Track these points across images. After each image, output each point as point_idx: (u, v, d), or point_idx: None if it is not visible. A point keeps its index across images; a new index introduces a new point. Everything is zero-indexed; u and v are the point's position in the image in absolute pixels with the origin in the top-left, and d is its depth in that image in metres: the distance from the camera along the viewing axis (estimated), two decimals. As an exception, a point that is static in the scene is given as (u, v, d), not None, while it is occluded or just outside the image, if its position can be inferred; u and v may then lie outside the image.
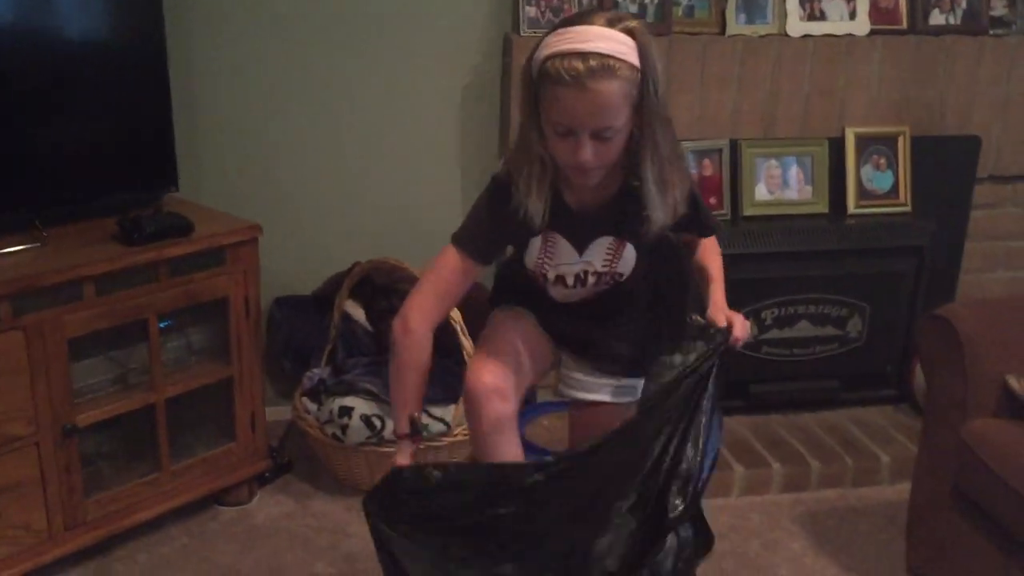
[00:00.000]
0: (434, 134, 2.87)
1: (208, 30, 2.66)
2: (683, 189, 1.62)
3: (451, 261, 1.66)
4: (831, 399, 2.99)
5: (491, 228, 1.66)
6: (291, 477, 2.69)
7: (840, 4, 2.85)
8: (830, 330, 2.92)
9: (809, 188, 2.93)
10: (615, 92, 1.45)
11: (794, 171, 2.92)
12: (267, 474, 2.62)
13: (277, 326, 2.85)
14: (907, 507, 2.29)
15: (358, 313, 2.81)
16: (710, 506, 2.59)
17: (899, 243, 2.90)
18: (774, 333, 2.89)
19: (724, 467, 2.68)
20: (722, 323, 1.74)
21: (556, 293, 1.78)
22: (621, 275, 1.74)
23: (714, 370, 1.67)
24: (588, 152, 1.49)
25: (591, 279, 1.73)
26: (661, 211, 1.60)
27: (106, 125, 2.36)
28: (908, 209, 2.95)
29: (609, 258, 1.71)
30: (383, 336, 2.77)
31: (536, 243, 1.70)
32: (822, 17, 2.85)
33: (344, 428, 2.51)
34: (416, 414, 1.69)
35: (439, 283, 1.67)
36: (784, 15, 2.82)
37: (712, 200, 2.84)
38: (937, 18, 2.92)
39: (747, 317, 2.82)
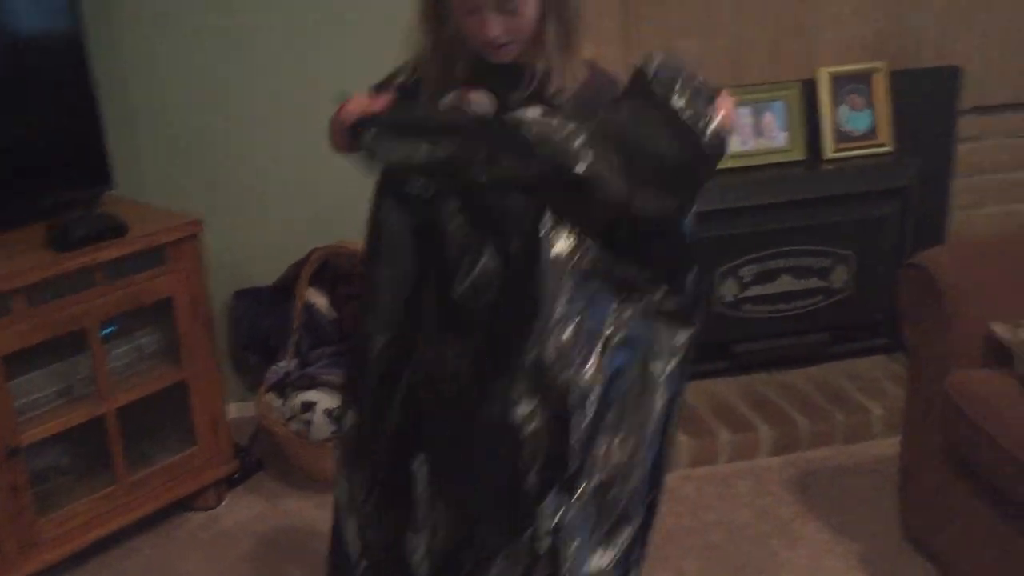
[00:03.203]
0: (385, 108, 2.74)
1: (134, 21, 2.53)
2: (583, 62, 1.49)
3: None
4: (820, 354, 2.87)
5: (396, 80, 1.59)
6: (263, 476, 2.60)
7: (802, -63, 2.69)
8: (814, 282, 2.79)
9: (784, 135, 2.78)
10: None
11: (767, 118, 2.78)
12: (236, 475, 2.53)
13: (237, 320, 2.76)
14: (896, 468, 2.19)
15: (320, 301, 2.70)
16: (694, 476, 2.51)
17: (881, 186, 2.76)
18: (755, 290, 2.76)
19: (708, 434, 2.58)
20: None
21: None
22: None
23: None
24: (496, 28, 1.41)
25: None
26: (561, 76, 1.46)
27: (28, 126, 2.24)
28: (889, 149, 2.80)
29: None
30: (346, 323, 2.67)
31: (449, 98, 1.53)
32: (785, -48, 2.69)
33: (308, 424, 2.41)
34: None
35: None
36: (744, -46, 2.67)
37: (681, 155, 2.70)
38: (907, -56, 2.76)
39: (726, 276, 2.76)
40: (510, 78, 1.50)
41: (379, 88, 1.65)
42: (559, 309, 1.35)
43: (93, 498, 2.22)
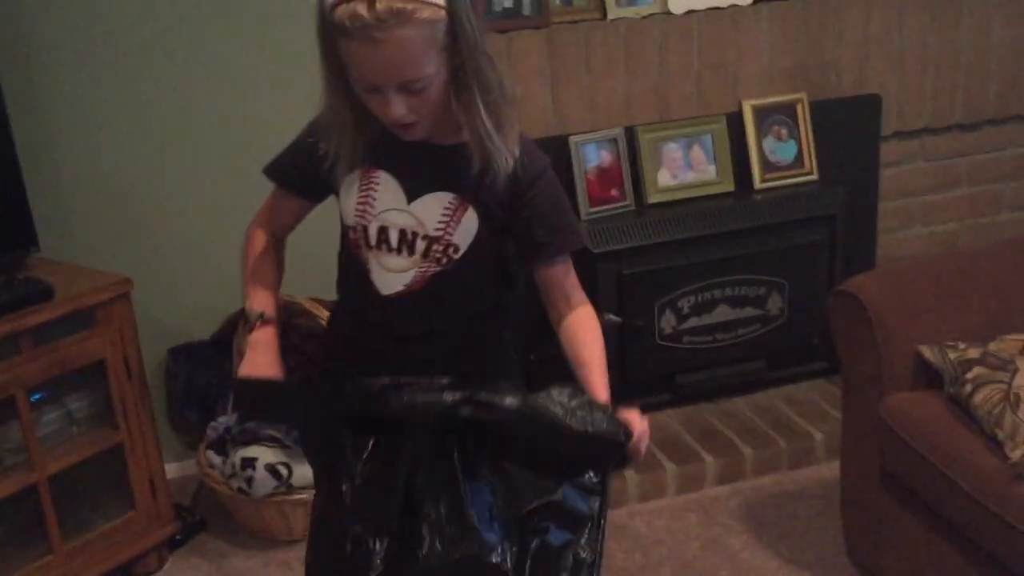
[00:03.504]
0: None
1: (56, 77, 2.50)
2: (516, 133, 1.40)
3: (271, 195, 1.58)
4: (760, 380, 2.91)
5: (299, 155, 1.48)
6: (206, 536, 2.54)
7: (719, -25, 2.75)
8: (750, 311, 2.83)
9: (713, 168, 2.83)
10: (412, 40, 1.24)
11: (695, 151, 2.82)
12: (178, 537, 2.48)
13: (174, 377, 2.70)
14: (839, 491, 2.22)
15: (258, 354, 2.66)
16: (644, 510, 2.51)
17: (809, 213, 2.81)
18: (693, 321, 2.79)
19: (656, 467, 2.59)
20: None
21: (379, 275, 1.46)
22: (457, 249, 1.42)
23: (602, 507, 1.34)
24: (400, 108, 1.29)
25: (420, 244, 1.43)
26: (501, 154, 1.36)
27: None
28: (815, 177, 2.87)
29: (445, 221, 1.42)
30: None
31: (354, 184, 1.44)
32: (703, -10, 2.75)
33: (249, 481, 2.37)
34: (253, 307, 1.50)
35: (268, 209, 1.59)
36: (664, -7, 2.72)
37: (614, 192, 2.73)
38: (820, -22, 2.84)
39: (665, 309, 2.78)
40: (421, 156, 1.41)
41: (275, 172, 1.53)
42: (478, 500, 1.32)
43: (29, 569, 2.16)
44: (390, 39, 1.22)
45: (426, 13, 1.24)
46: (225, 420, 2.56)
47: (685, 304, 2.77)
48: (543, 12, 2.65)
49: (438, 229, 1.42)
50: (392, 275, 1.45)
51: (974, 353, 1.89)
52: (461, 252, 1.43)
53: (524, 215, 1.42)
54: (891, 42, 2.88)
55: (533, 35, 2.61)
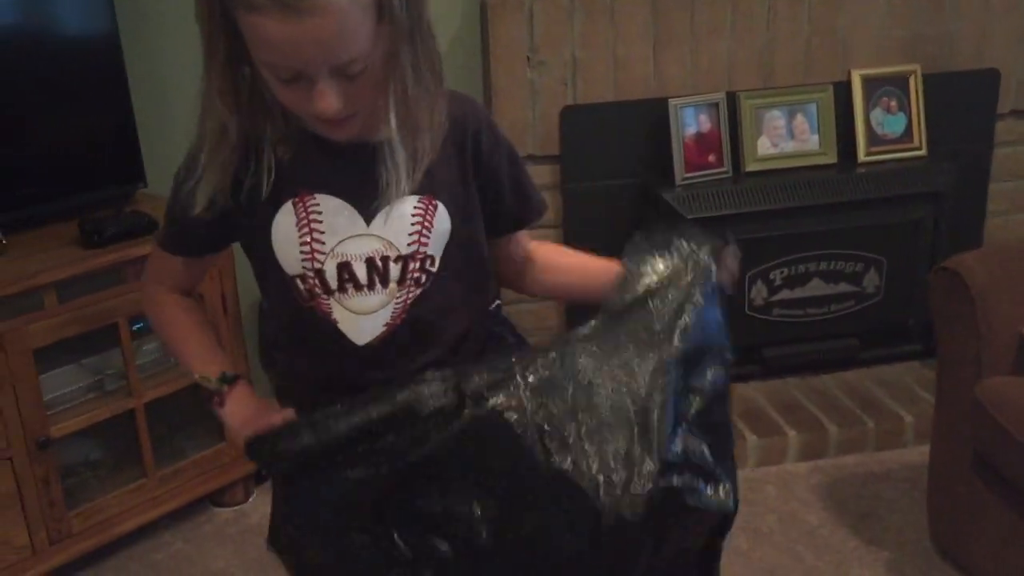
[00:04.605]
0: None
1: (169, 22, 2.56)
2: (444, 108, 1.12)
3: (156, 256, 1.27)
4: (850, 359, 2.83)
5: (188, 211, 1.14)
6: (290, 473, 2.62)
7: (836, -62, 2.66)
8: (845, 287, 2.75)
9: (815, 138, 2.76)
10: (346, 9, 0.96)
11: (798, 121, 2.75)
12: (264, 472, 2.56)
13: (267, 318, 2.78)
14: (926, 475, 2.16)
15: (348, 300, 2.72)
16: (722, 480, 2.49)
17: (915, 190, 2.71)
18: (785, 294, 2.74)
19: (737, 437, 2.55)
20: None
21: (350, 324, 1.16)
22: (433, 261, 1.16)
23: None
24: (333, 99, 1.01)
25: (394, 269, 1.14)
26: (425, 135, 1.09)
27: (63, 125, 2.29)
28: (924, 153, 2.76)
29: (417, 231, 1.14)
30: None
31: (287, 221, 1.13)
32: (819, -47, 2.67)
33: (334, 421, 2.43)
34: (209, 371, 1.23)
35: (157, 269, 1.29)
36: (777, -46, 2.65)
37: (711, 158, 2.69)
38: (944, -55, 2.72)
39: (756, 279, 2.73)
40: (362, 160, 1.11)
41: (176, 245, 1.23)
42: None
43: (123, 491, 2.26)
44: (314, 8, 0.95)
45: None
46: (313, 363, 2.62)
47: (778, 276, 2.72)
48: (649, -30, 2.61)
49: (411, 244, 1.14)
50: (366, 319, 1.16)
51: (1082, 339, 1.81)
52: (437, 262, 1.17)
53: (488, 176, 1.20)
54: (1014, 17, 2.75)
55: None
